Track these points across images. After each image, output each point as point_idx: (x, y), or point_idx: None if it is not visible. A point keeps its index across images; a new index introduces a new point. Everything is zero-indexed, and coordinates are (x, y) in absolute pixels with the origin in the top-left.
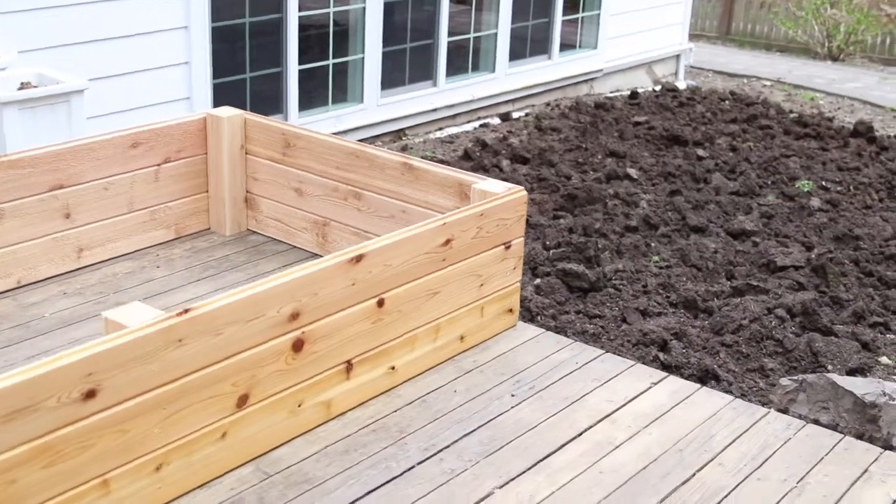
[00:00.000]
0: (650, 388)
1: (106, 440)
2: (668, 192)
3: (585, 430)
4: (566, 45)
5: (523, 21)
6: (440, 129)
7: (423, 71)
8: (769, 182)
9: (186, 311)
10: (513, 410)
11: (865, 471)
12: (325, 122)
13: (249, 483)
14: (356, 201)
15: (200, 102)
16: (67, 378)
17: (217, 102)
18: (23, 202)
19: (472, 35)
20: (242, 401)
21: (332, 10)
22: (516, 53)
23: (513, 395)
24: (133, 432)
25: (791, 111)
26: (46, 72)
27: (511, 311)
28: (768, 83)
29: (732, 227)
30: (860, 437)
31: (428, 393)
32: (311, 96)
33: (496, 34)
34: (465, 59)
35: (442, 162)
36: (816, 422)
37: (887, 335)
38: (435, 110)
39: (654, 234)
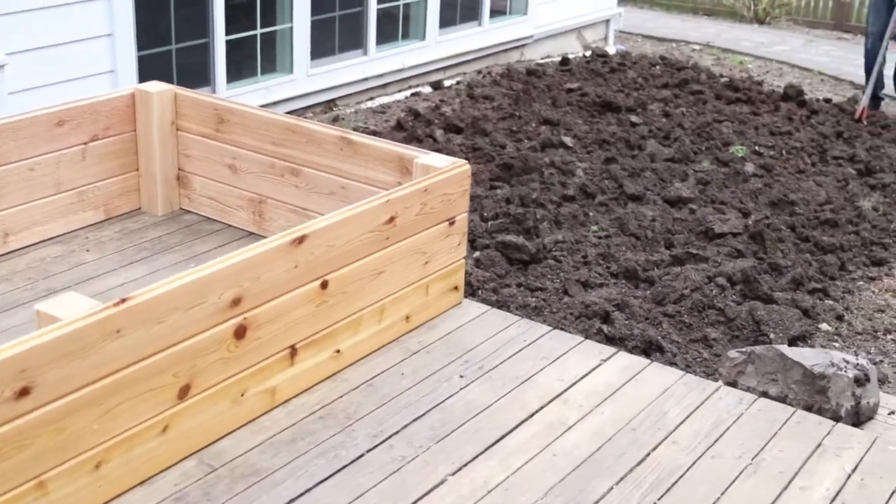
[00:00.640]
0: (600, 364)
1: (42, 439)
2: (603, 159)
3: (537, 411)
4: (496, 12)
5: None
6: (371, 98)
7: (353, 39)
8: (703, 148)
9: (124, 300)
10: (462, 392)
11: (819, 444)
12: (255, 93)
13: (194, 477)
14: (293, 178)
15: (125, 75)
16: None
17: (142, 75)
18: None
19: (401, 2)
20: (184, 392)
21: None
22: (447, 20)
23: (461, 376)
24: (70, 430)
25: (721, 75)
26: None
27: (456, 288)
28: (697, 47)
29: (669, 194)
30: (809, 408)
31: (375, 376)
32: (240, 67)
33: (426, 1)
34: (395, 27)
35: (375, 133)
36: (766, 394)
37: (826, 301)
38: (366, 80)
39: (592, 202)
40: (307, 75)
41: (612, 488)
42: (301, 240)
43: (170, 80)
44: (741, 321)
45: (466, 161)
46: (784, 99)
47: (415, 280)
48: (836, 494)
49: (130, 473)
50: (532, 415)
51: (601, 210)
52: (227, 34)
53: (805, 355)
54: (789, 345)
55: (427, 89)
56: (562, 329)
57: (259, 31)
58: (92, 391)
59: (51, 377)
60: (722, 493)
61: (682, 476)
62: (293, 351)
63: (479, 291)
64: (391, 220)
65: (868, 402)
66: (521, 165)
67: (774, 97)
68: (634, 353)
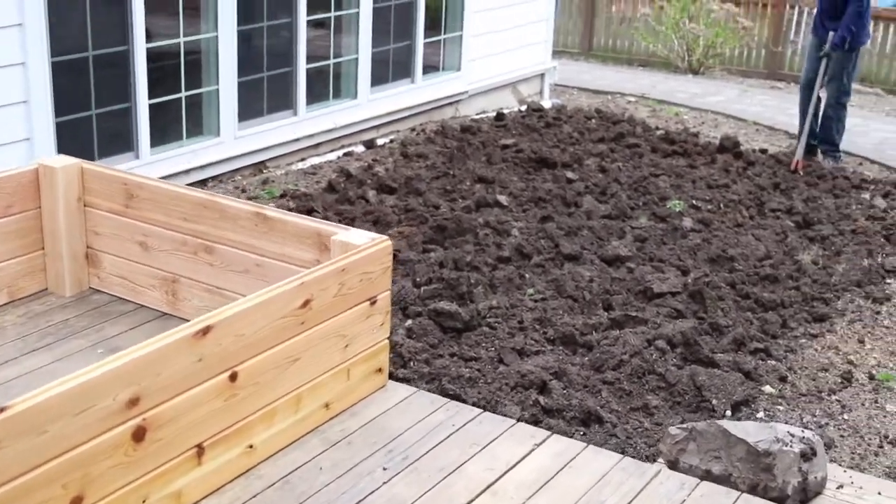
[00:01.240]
0: (532, 450)
1: None
2: (539, 218)
3: None
4: (429, 68)
5: (384, 45)
6: (302, 159)
7: (282, 100)
8: (640, 203)
9: (2, 409)
10: (385, 487)
11: None
12: (180, 157)
13: None
14: (207, 255)
15: (42, 143)
16: None
17: (61, 142)
18: None
19: (332, 61)
20: None
21: (182, 39)
22: (379, 78)
23: (385, 469)
24: None
25: (657, 128)
26: None
27: (380, 370)
28: (633, 99)
29: (606, 253)
30: (755, 487)
31: (291, 472)
32: (164, 131)
33: (357, 59)
34: (325, 86)
35: (305, 195)
36: (709, 472)
37: (768, 361)
38: (296, 140)
39: (528, 264)
40: (235, 137)
41: None
42: (206, 331)
43: (90, 147)
44: (682, 387)
45: (386, 237)
46: (720, 151)
47: (334, 365)
48: None
49: None
50: None
51: (537, 271)
52: (150, 98)
53: (749, 430)
54: (732, 411)
55: (360, 148)
56: (497, 401)
57: (184, 93)
58: None
59: None
60: None
61: None
62: (200, 450)
63: (411, 363)
64: (306, 303)
65: (816, 477)
66: (455, 227)
67: (711, 149)
68: (573, 423)
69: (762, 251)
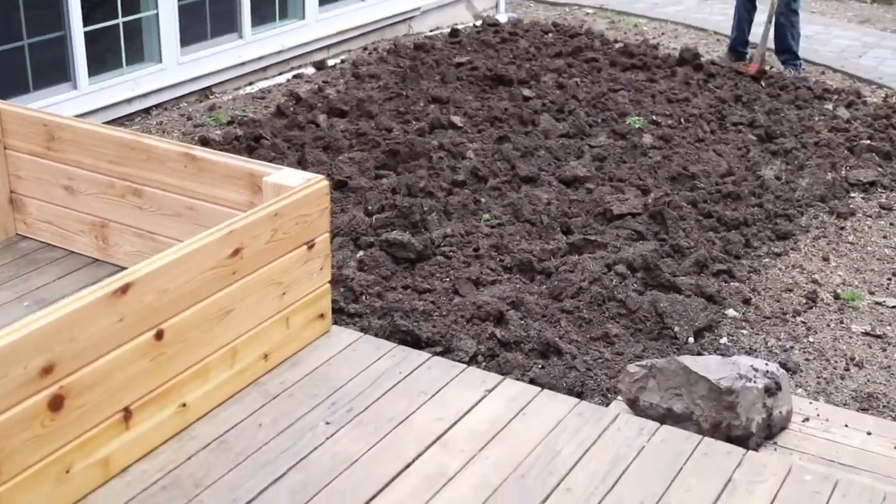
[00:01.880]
0: (484, 397)
1: None
2: (495, 138)
3: (414, 460)
4: None
5: None
6: (250, 83)
7: (226, 22)
8: (599, 120)
9: None
10: (329, 443)
11: (729, 480)
12: (122, 86)
13: None
14: (136, 199)
15: None
16: None
17: None
18: None
19: None
20: None
21: None
22: None
23: (328, 423)
24: None
25: (616, 41)
26: None
27: (322, 316)
28: (591, 10)
29: (564, 174)
30: (718, 425)
31: (228, 430)
32: (103, 60)
33: None
34: (272, 7)
35: (253, 121)
36: (670, 410)
37: (731, 283)
38: (243, 64)
39: (484, 187)
40: (178, 63)
41: None
42: (125, 289)
43: (24, 79)
44: (643, 313)
45: (322, 177)
46: (680, 63)
47: (272, 314)
48: None
49: None
50: (408, 465)
51: (494, 195)
52: (85, 25)
53: (710, 367)
54: (695, 338)
55: (310, 70)
56: (452, 335)
57: (121, 19)
58: None
59: None
60: None
61: None
62: (127, 413)
63: (363, 297)
64: (236, 252)
65: (780, 412)
66: (408, 151)
67: (671, 62)
68: (532, 356)
69: (724, 167)
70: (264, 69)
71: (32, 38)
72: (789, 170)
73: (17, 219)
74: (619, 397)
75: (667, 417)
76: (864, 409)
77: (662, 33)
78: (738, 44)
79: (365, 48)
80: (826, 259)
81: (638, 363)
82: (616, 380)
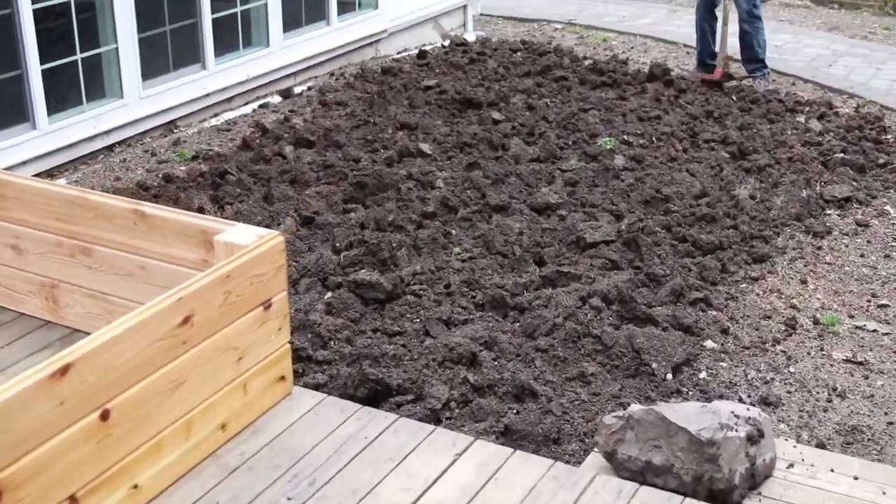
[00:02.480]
0: (454, 461)
1: None
2: (465, 165)
3: None
4: (346, 7)
5: None
6: (216, 115)
7: (189, 53)
8: (570, 142)
9: None
10: None
11: None
12: (83, 124)
13: None
14: (86, 258)
15: None
16: None
17: None
18: None
19: (239, 8)
20: None
21: None
22: (291, 22)
23: (289, 499)
24: None
25: (585, 57)
26: None
27: (283, 378)
28: (559, 26)
29: (536, 201)
30: (700, 478)
31: None
32: (63, 97)
33: (266, 4)
34: (235, 35)
35: (219, 156)
36: (649, 463)
37: (709, 312)
38: (208, 95)
39: (454, 218)
40: (140, 98)
41: None
42: (64, 370)
43: None
44: (620, 349)
45: (277, 233)
46: (650, 79)
47: (228, 381)
48: None
49: None
50: None
51: (464, 226)
52: (42, 62)
53: (689, 416)
54: (674, 374)
55: (276, 99)
56: (424, 381)
57: (80, 55)
58: None
59: None
60: None
61: None
62: (74, 501)
63: (332, 342)
64: (186, 320)
65: (764, 460)
66: (376, 183)
67: (641, 78)
68: (506, 399)
69: (698, 188)
70: (229, 100)
71: None
72: (763, 188)
73: None
74: (597, 449)
75: (646, 471)
76: (848, 444)
77: (632, 48)
78: (706, 56)
79: (332, 73)
80: (804, 282)
81: (615, 414)
82: (594, 423)
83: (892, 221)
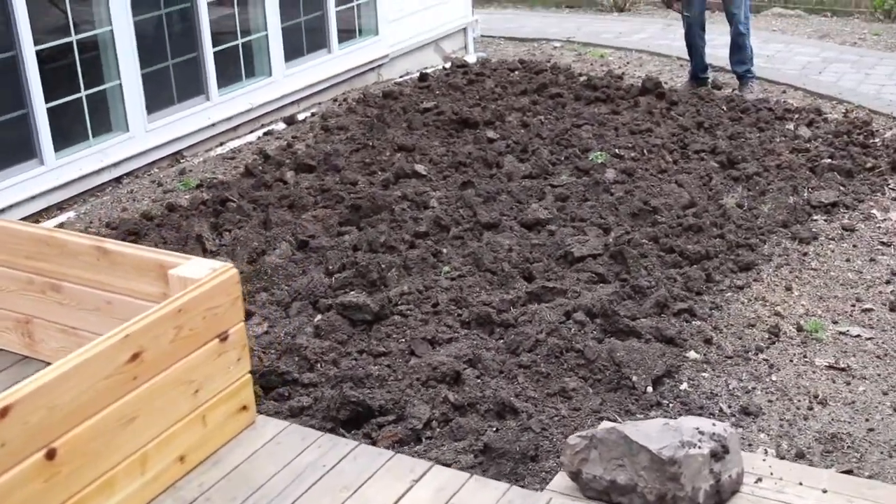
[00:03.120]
0: (410, 488)
1: None
2: (459, 184)
3: None
4: (347, 34)
5: (294, 18)
6: (221, 143)
7: (192, 86)
8: (562, 158)
9: None
10: None
11: None
12: (89, 158)
13: None
14: (56, 294)
15: None
16: None
17: None
18: None
19: (240, 41)
20: None
21: (74, 38)
22: (293, 52)
23: None
24: None
25: (581, 74)
26: None
27: (245, 408)
28: (558, 44)
29: (526, 217)
30: (663, 497)
31: None
32: (69, 133)
33: (266, 36)
34: (237, 67)
35: (222, 183)
36: (614, 483)
37: (693, 322)
38: (213, 125)
39: (447, 237)
40: (146, 131)
41: None
42: (4, 412)
43: None
44: (602, 363)
45: (231, 265)
46: (643, 93)
47: (185, 414)
48: None
49: None
50: None
51: (456, 244)
52: (47, 101)
53: (651, 435)
54: (654, 386)
55: (280, 126)
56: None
57: (84, 92)
58: None
59: None
60: None
61: None
62: None
63: (318, 364)
64: (136, 356)
65: (730, 476)
66: (370, 205)
67: (634, 92)
68: (487, 417)
69: (686, 198)
70: (235, 128)
71: None
72: (751, 196)
73: None
74: (563, 469)
75: (611, 490)
76: (828, 452)
77: (627, 62)
78: (699, 70)
79: (335, 99)
80: (789, 289)
81: (579, 434)
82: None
83: (878, 225)
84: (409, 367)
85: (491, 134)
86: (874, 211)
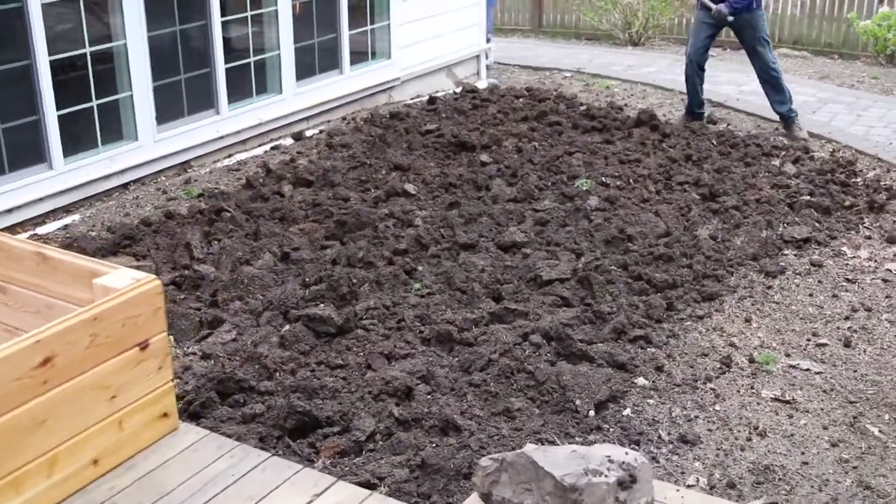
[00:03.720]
0: (311, 501)
1: None
2: (447, 205)
3: None
4: (359, 56)
5: (308, 39)
6: (229, 155)
7: (203, 100)
8: (549, 184)
9: None
10: None
11: None
12: (97, 164)
13: None
14: (2, 296)
15: None
16: None
17: None
18: None
19: (252, 59)
20: None
21: (88, 50)
22: (305, 71)
23: None
24: None
25: (582, 104)
26: None
27: (167, 415)
28: (569, 74)
29: (503, 239)
30: None
31: None
32: (79, 140)
33: (279, 55)
34: (248, 83)
35: (222, 194)
36: None
37: (648, 349)
38: (221, 138)
39: (425, 255)
40: (155, 140)
41: None
42: None
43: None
44: (551, 385)
45: (154, 277)
46: (638, 124)
47: (100, 419)
48: None
49: None
50: None
51: (432, 262)
52: (59, 109)
53: (558, 461)
54: (597, 410)
55: (288, 141)
56: (353, 414)
57: (95, 102)
58: None
59: None
60: None
61: None
62: None
63: (277, 374)
64: (47, 361)
65: None
66: (355, 221)
67: (629, 123)
68: (432, 433)
69: (661, 228)
70: (244, 142)
71: (6, 122)
72: (726, 228)
73: None
74: (474, 491)
75: None
76: (759, 483)
77: (631, 94)
78: (695, 106)
79: (344, 118)
80: (748, 320)
81: (491, 456)
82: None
83: (846, 262)
84: (363, 380)
85: (484, 157)
86: (845, 248)
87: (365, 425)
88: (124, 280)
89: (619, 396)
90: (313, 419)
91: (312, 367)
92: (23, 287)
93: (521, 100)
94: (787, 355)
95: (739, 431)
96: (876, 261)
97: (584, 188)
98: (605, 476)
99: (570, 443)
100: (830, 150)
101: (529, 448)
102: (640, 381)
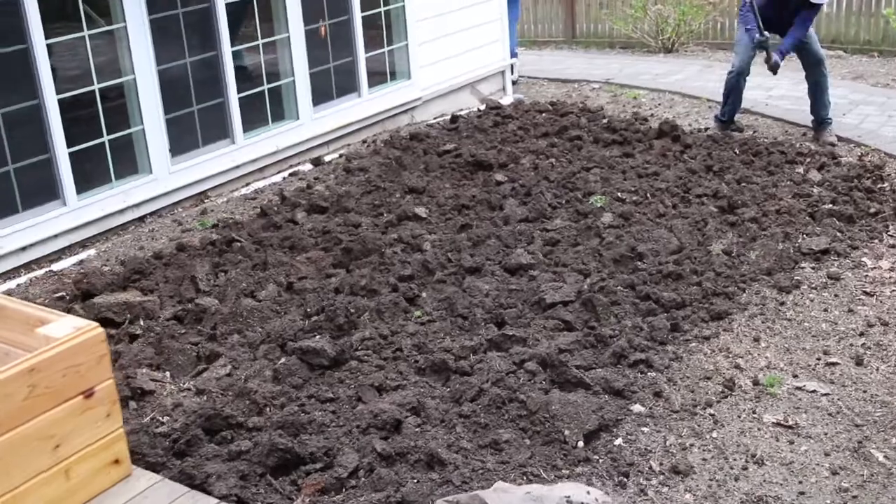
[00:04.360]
0: None
1: None
2: (458, 227)
3: None
4: (378, 78)
5: (324, 63)
6: (247, 184)
7: (217, 130)
8: (563, 201)
9: None
10: None
11: None
12: (112, 199)
13: None
14: None
15: None
16: None
17: None
18: None
19: (266, 86)
20: None
21: (97, 86)
22: (322, 96)
23: None
24: None
25: (604, 117)
26: None
27: (118, 461)
28: (597, 85)
29: (510, 262)
30: None
31: None
32: (91, 175)
33: (293, 81)
34: (263, 111)
35: (236, 224)
36: None
37: (648, 373)
38: (237, 167)
39: (431, 280)
40: (169, 173)
41: None
42: None
43: (12, 201)
44: (543, 414)
45: (97, 325)
46: (659, 136)
47: (43, 469)
48: None
49: None
50: None
51: (437, 288)
52: (70, 146)
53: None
54: (586, 441)
55: (307, 167)
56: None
57: (106, 137)
58: None
59: None
60: None
61: None
62: None
63: (267, 409)
64: None
65: None
66: (360, 248)
67: (651, 135)
68: (417, 467)
69: (674, 244)
70: (261, 169)
71: (17, 162)
72: (742, 242)
73: None
74: None
75: None
76: None
77: (659, 104)
78: (732, 116)
79: (364, 140)
80: (757, 339)
81: (446, 499)
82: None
83: (865, 273)
84: (353, 413)
85: (500, 176)
86: (865, 259)
87: (348, 461)
88: (65, 329)
89: (611, 425)
90: (295, 456)
91: (302, 401)
92: None
93: (543, 115)
94: (795, 376)
95: (735, 460)
96: None
97: (599, 205)
98: None
99: (556, 475)
100: (859, 154)
101: (485, 492)
102: (636, 407)
